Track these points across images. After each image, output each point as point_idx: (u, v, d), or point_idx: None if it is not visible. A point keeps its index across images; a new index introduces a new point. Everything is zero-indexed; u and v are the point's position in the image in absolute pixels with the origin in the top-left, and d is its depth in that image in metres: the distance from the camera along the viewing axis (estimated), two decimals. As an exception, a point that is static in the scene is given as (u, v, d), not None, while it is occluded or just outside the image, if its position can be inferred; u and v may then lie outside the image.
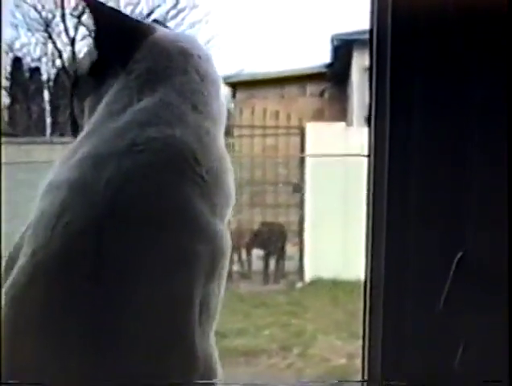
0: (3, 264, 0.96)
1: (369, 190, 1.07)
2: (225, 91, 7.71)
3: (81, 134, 1.03)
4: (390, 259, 1.04)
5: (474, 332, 1.00)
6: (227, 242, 1.00)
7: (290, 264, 6.07)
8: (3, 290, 0.90)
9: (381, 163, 1.04)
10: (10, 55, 6.62)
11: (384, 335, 1.06)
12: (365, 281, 1.11)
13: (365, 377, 1.10)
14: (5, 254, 0.98)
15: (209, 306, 0.96)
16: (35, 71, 6.70)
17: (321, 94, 7.56)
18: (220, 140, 1.05)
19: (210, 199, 0.98)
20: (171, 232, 0.93)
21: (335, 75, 7.66)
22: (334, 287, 5.38)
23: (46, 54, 6.61)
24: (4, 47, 6.61)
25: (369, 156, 1.08)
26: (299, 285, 5.70)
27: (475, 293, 1.00)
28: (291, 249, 6.13)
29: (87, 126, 1.03)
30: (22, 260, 0.90)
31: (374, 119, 1.05)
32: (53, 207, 0.92)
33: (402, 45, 1.02)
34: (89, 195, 0.91)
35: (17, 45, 6.60)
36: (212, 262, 0.96)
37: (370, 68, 1.05)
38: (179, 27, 5.42)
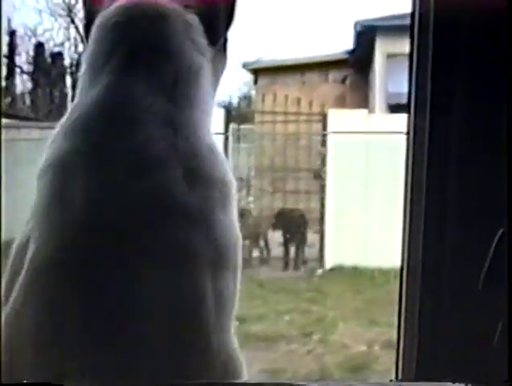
0: (13, 253, 0.94)
1: (407, 171, 1.05)
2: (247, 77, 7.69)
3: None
4: (429, 243, 1.03)
5: None
6: (233, 234, 0.95)
7: (310, 251, 6.07)
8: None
9: (421, 144, 1.03)
10: (33, 40, 6.66)
11: (420, 325, 1.04)
12: (402, 267, 1.09)
13: (399, 370, 1.08)
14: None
15: (224, 301, 0.92)
16: (58, 56, 6.72)
17: (343, 81, 7.53)
18: (205, 130, 1.00)
19: (205, 193, 0.92)
20: (169, 227, 0.89)
21: (357, 61, 7.61)
22: (354, 274, 5.37)
23: (69, 39, 6.62)
24: (27, 32, 6.64)
25: (408, 134, 1.06)
26: (320, 271, 5.70)
27: None
28: (311, 236, 6.12)
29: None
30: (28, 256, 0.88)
31: (414, 106, 1.04)
32: (48, 192, 0.90)
33: (445, 30, 1.00)
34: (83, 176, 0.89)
35: (40, 30, 6.64)
36: (218, 256, 0.92)
37: (411, 54, 1.04)
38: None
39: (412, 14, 1.05)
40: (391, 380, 1.11)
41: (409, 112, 1.05)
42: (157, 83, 0.97)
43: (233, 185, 0.98)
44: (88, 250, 0.87)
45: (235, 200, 0.98)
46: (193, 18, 1.03)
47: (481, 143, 1.02)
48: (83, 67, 1.02)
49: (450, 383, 0.88)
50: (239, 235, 0.97)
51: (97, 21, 1.03)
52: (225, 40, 1.08)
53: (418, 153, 1.03)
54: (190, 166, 0.93)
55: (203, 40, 1.03)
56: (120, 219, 0.88)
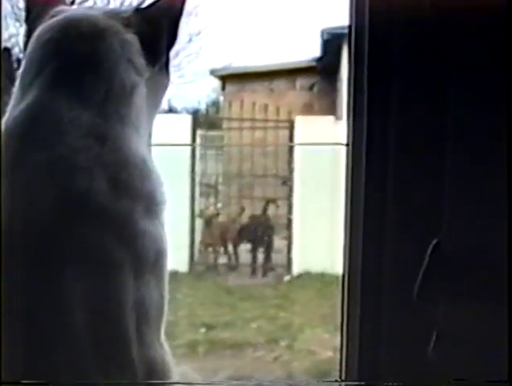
0: None
1: (347, 180, 1.08)
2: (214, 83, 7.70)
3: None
4: (367, 250, 1.05)
5: (448, 321, 1.01)
6: (158, 245, 0.97)
7: (278, 258, 6.08)
8: None
9: (359, 152, 1.05)
10: (-1, 45, 6.58)
11: (361, 331, 1.06)
12: (343, 275, 1.11)
13: (343, 373, 1.10)
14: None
15: (147, 310, 0.94)
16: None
17: (311, 88, 7.56)
18: (137, 146, 1.01)
19: (131, 198, 0.95)
20: (90, 235, 0.91)
21: (325, 69, 7.65)
22: (321, 280, 5.39)
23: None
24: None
25: (347, 145, 1.08)
26: (287, 278, 5.71)
27: (449, 283, 1.01)
28: (279, 243, 6.13)
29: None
30: None
31: (353, 111, 1.06)
32: None
33: (380, 41, 1.02)
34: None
35: (5, 35, 6.57)
36: (140, 266, 0.94)
37: (349, 62, 1.06)
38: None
39: (349, 27, 1.08)
40: (336, 380, 1.13)
41: (348, 122, 1.08)
42: (86, 98, 0.98)
43: (163, 199, 1.00)
44: (6, 256, 0.88)
45: (163, 213, 0.99)
46: (132, 37, 1.04)
47: (418, 152, 1.04)
48: (17, 82, 1.03)
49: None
50: (165, 246, 0.98)
51: (34, 34, 1.04)
52: (167, 60, 1.09)
53: (356, 162, 1.05)
54: (116, 178, 0.95)
55: (140, 60, 1.04)
56: (41, 227, 0.90)
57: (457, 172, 1.02)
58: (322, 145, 5.72)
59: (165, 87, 1.11)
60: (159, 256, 0.97)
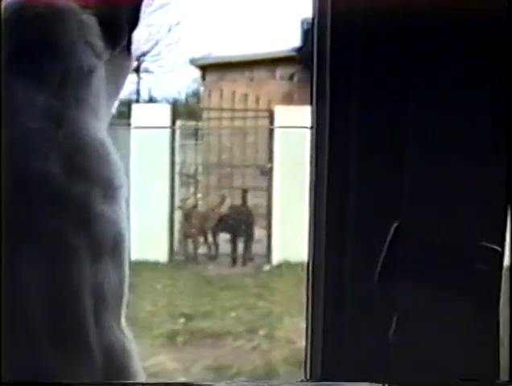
0: None
1: (311, 163, 1.09)
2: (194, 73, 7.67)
3: None
4: (330, 237, 1.06)
5: (409, 306, 1.02)
6: (116, 230, 0.96)
7: (258, 247, 6.09)
8: None
9: (322, 136, 1.05)
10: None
11: (325, 321, 1.07)
12: (308, 262, 1.12)
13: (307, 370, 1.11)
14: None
15: (105, 296, 0.93)
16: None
17: (291, 78, 7.56)
18: (96, 130, 1.00)
19: (88, 182, 0.94)
20: (45, 218, 0.90)
21: (304, 59, 7.65)
22: (301, 270, 5.39)
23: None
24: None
25: (311, 128, 1.09)
26: (267, 267, 5.72)
27: (410, 266, 1.02)
28: (259, 232, 6.14)
29: None
30: None
31: (316, 97, 1.08)
32: None
33: (341, 31, 1.03)
34: None
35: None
36: (95, 249, 0.93)
37: (312, 51, 1.07)
38: (147, 8, 5.36)
39: (312, 18, 1.08)
40: (302, 381, 1.13)
41: (311, 106, 1.09)
42: (42, 81, 0.97)
43: (121, 184, 0.99)
44: None
45: (122, 197, 0.98)
46: (90, 19, 1.03)
47: (381, 137, 1.05)
48: None
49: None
50: (124, 232, 0.98)
51: None
52: (129, 42, 1.08)
53: (320, 146, 1.06)
54: (73, 161, 0.94)
55: (99, 42, 1.03)
56: None
57: (419, 156, 1.03)
58: (304, 133, 5.72)
59: (126, 70, 1.09)
60: (118, 240, 0.96)
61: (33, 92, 0.96)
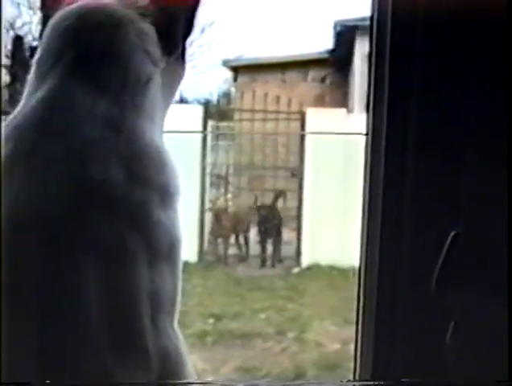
0: None
1: (365, 171, 1.07)
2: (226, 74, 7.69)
3: None
4: (385, 243, 1.04)
5: (466, 313, 1.01)
6: (171, 235, 0.96)
7: (287, 249, 6.08)
8: None
9: (379, 143, 1.04)
10: (11, 33, 6.58)
11: (377, 325, 1.05)
12: (360, 267, 1.10)
13: (357, 369, 1.09)
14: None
15: (161, 300, 0.94)
16: (37, 50, 6.67)
17: (323, 80, 7.54)
18: (153, 136, 1.01)
19: (146, 188, 0.95)
20: (104, 224, 0.91)
21: (337, 61, 7.62)
22: (330, 273, 5.39)
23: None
24: (5, 24, 6.57)
25: (367, 134, 1.07)
26: (296, 270, 5.71)
27: (468, 275, 1.01)
28: (289, 234, 6.14)
29: None
30: None
31: (373, 102, 1.05)
32: None
33: (402, 32, 1.02)
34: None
35: (18, 23, 6.57)
36: (153, 254, 0.93)
37: (370, 52, 1.05)
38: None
39: (371, 17, 1.07)
40: (349, 380, 1.12)
41: (367, 113, 1.07)
42: (102, 88, 0.98)
43: (178, 191, 0.99)
44: (20, 247, 0.89)
45: (177, 203, 0.99)
46: (148, 27, 1.03)
47: (438, 143, 1.03)
48: (32, 69, 1.02)
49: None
50: (179, 238, 0.98)
51: (50, 22, 1.03)
52: (183, 49, 1.08)
53: (375, 153, 1.04)
54: (132, 168, 0.94)
55: (156, 50, 1.03)
56: (54, 215, 0.89)
57: (477, 164, 1.01)
58: (335, 136, 5.70)
59: (180, 77, 1.10)
60: (173, 246, 0.97)
61: (94, 100, 0.96)
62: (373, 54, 1.04)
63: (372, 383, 1.09)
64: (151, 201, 0.95)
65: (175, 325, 0.98)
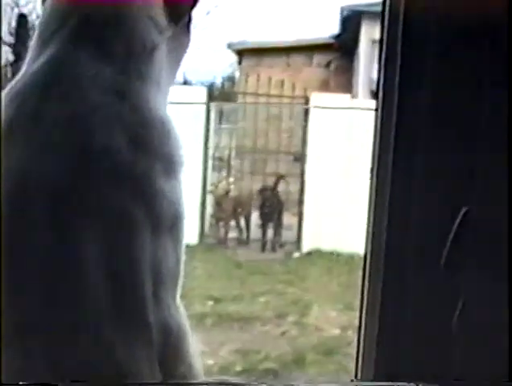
0: None
1: (374, 147, 1.05)
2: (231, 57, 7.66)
3: None
4: (393, 221, 1.02)
5: (474, 290, 0.99)
6: (175, 206, 0.94)
7: (288, 234, 6.08)
8: None
9: (389, 118, 1.02)
10: (16, 10, 6.55)
11: (382, 310, 1.04)
12: (365, 253, 1.08)
13: (360, 355, 1.08)
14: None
15: (164, 273, 0.92)
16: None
17: (327, 65, 7.51)
18: (158, 105, 0.99)
19: (150, 157, 0.93)
20: (107, 191, 0.89)
21: (342, 46, 7.60)
22: (331, 258, 5.39)
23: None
24: (9, 2, 6.54)
25: (376, 110, 1.05)
26: (297, 254, 5.71)
27: (476, 251, 1.00)
28: (290, 219, 6.14)
29: None
30: None
31: (383, 89, 1.04)
32: None
33: (414, 19, 1.00)
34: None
35: (22, 1, 6.54)
36: (156, 225, 0.91)
37: (381, 40, 1.04)
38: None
39: (383, 2, 1.05)
40: (352, 380, 1.12)
41: (377, 96, 1.06)
42: (106, 55, 0.96)
43: (181, 160, 0.98)
44: (23, 212, 0.87)
45: (181, 175, 0.97)
46: None
47: (446, 125, 1.01)
48: (34, 36, 1.01)
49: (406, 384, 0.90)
50: (182, 209, 0.96)
51: None
52: (189, 19, 1.08)
53: (385, 130, 1.03)
54: (136, 135, 0.92)
55: (162, 18, 1.02)
56: (57, 181, 0.88)
57: (489, 144, 1.00)
58: (338, 123, 5.69)
59: (186, 47, 1.09)
60: (176, 218, 0.95)
61: (98, 66, 0.95)
62: (385, 40, 1.02)
63: (374, 383, 1.08)
64: (155, 170, 0.93)
65: (178, 300, 0.96)
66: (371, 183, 1.06)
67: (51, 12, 1.00)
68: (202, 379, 1.00)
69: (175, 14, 1.03)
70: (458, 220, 0.97)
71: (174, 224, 0.94)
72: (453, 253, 0.98)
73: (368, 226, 1.07)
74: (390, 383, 1.03)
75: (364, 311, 1.09)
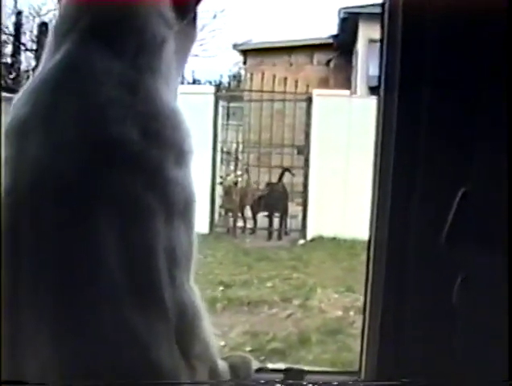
0: None
1: (377, 134, 1.04)
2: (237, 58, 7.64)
3: None
4: (395, 213, 1.01)
5: (473, 267, 0.99)
6: (186, 193, 0.94)
7: (293, 223, 6.09)
8: None
9: (391, 106, 1.01)
10: (37, 19, 6.57)
11: (385, 293, 1.03)
12: (370, 238, 1.07)
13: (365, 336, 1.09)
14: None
15: (177, 255, 0.92)
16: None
17: (327, 63, 7.51)
18: (169, 97, 0.98)
19: (162, 147, 0.93)
20: (121, 180, 0.89)
21: (341, 45, 7.58)
22: (334, 244, 5.39)
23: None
24: (31, 12, 6.54)
25: (378, 95, 1.04)
26: (301, 241, 5.72)
27: (476, 230, 0.99)
28: (295, 208, 6.14)
29: None
30: None
31: (385, 67, 1.03)
32: (10, 152, 0.90)
33: (413, 18, 0.99)
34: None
35: (44, 10, 6.55)
36: (169, 210, 0.91)
37: (381, 40, 1.02)
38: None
39: (383, 4, 1.04)
40: (357, 380, 1.11)
41: (379, 90, 1.05)
42: (118, 51, 0.94)
43: (191, 149, 0.96)
44: (42, 201, 0.87)
45: (191, 163, 0.97)
46: None
47: (447, 114, 1.00)
48: (49, 35, 1.01)
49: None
50: (193, 196, 0.96)
51: None
52: (195, 14, 1.07)
53: (388, 115, 1.01)
54: (148, 127, 0.92)
55: (170, 14, 1.02)
56: (73, 174, 0.88)
57: (487, 127, 0.99)
58: (339, 117, 5.68)
59: (192, 41, 1.08)
60: (188, 203, 0.95)
61: (110, 62, 0.94)
62: (385, 39, 1.01)
63: (377, 383, 1.08)
64: (167, 159, 0.93)
65: (192, 281, 0.97)
66: (374, 173, 1.04)
67: (65, 11, 0.99)
68: (218, 358, 0.99)
69: (182, 10, 1.03)
70: (457, 200, 0.96)
71: (186, 209, 0.93)
72: (454, 232, 0.97)
73: (372, 213, 1.06)
74: (394, 382, 1.00)
75: (368, 296, 1.08)
